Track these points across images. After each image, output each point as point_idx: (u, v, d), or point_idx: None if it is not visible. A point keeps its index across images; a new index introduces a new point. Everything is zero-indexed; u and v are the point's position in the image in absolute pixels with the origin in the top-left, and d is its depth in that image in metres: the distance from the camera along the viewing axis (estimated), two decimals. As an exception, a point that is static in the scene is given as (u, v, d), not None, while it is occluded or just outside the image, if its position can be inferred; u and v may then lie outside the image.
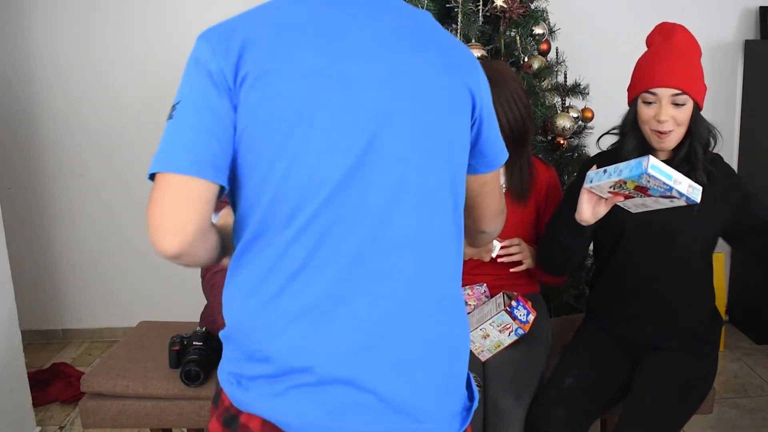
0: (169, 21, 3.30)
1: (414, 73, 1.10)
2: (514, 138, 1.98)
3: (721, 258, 3.13)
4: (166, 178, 1.01)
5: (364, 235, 1.06)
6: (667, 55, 1.81)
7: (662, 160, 1.82)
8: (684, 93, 1.77)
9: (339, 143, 1.04)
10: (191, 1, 3.29)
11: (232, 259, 1.11)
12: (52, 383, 3.01)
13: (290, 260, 1.05)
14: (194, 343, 2.03)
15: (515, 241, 2.04)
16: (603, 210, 1.71)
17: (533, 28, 2.48)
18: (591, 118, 2.60)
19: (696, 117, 1.82)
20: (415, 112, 1.10)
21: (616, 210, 1.74)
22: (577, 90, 2.61)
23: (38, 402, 2.85)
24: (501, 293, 1.99)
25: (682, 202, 1.58)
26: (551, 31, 2.63)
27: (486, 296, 2.10)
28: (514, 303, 1.93)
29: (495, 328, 1.91)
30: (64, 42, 3.32)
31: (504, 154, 1.28)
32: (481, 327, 1.92)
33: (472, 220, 1.32)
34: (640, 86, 1.82)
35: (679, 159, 1.85)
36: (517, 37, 2.43)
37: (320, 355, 1.05)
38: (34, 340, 3.52)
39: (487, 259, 2.04)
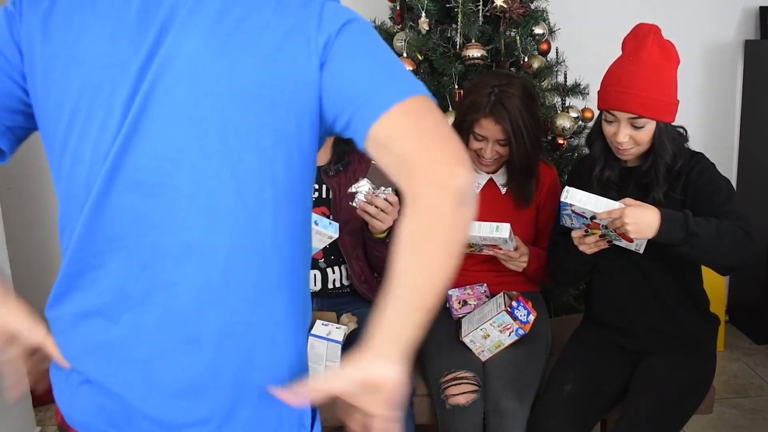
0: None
1: (186, 49, 0.93)
2: (521, 169, 2.04)
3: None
4: None
5: (148, 241, 0.95)
6: (632, 74, 1.77)
7: (628, 167, 1.90)
8: (642, 117, 1.77)
9: (102, 141, 0.95)
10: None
11: None
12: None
13: (79, 259, 1.00)
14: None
15: (523, 250, 2.03)
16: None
17: (533, 28, 2.48)
18: (591, 118, 2.60)
19: (659, 136, 1.80)
20: (183, 101, 0.93)
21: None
22: (577, 90, 2.61)
23: (38, 402, 2.85)
24: (501, 293, 1.99)
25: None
26: (551, 31, 2.63)
27: (486, 296, 2.10)
28: (514, 303, 1.93)
29: (495, 328, 1.92)
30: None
31: (389, 95, 0.91)
32: (481, 327, 1.92)
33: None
34: (601, 103, 1.84)
35: (641, 172, 1.85)
36: (517, 37, 2.43)
37: (101, 364, 0.99)
38: (34, 340, 3.52)
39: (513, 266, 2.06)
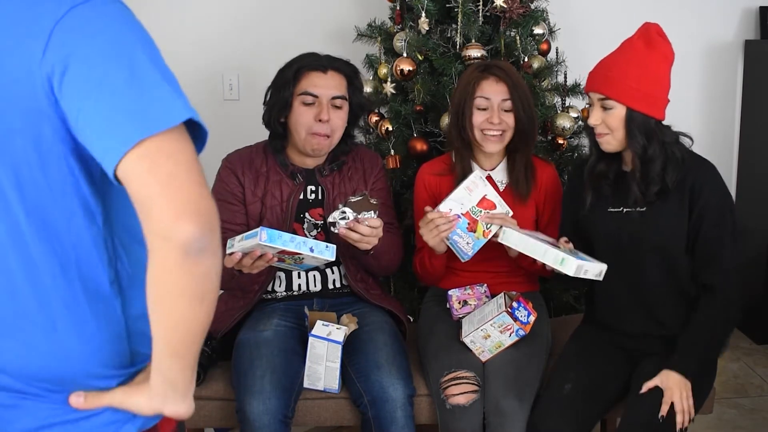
0: (165, 26, 3.30)
1: None
2: (526, 133, 2.05)
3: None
4: None
5: None
6: (607, 60, 1.84)
7: (626, 171, 1.88)
8: (608, 98, 1.78)
9: None
10: (190, 7, 3.28)
11: None
12: (51, 383, 3.01)
13: None
14: (194, 343, 2.03)
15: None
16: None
17: (533, 28, 2.48)
18: (591, 119, 2.60)
19: (629, 124, 1.79)
20: None
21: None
22: (577, 90, 2.61)
23: (38, 402, 2.85)
24: (502, 293, 1.99)
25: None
26: (551, 31, 2.63)
27: (487, 296, 2.10)
28: (515, 304, 1.93)
29: (496, 328, 1.91)
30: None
31: (120, 142, 0.87)
32: (481, 327, 1.92)
33: None
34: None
35: (638, 176, 1.85)
36: (517, 37, 2.43)
37: None
38: (34, 340, 3.52)
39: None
